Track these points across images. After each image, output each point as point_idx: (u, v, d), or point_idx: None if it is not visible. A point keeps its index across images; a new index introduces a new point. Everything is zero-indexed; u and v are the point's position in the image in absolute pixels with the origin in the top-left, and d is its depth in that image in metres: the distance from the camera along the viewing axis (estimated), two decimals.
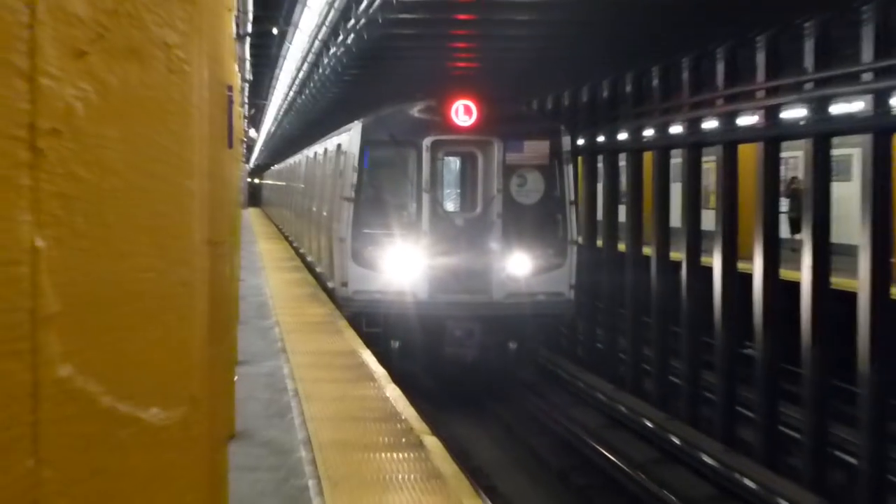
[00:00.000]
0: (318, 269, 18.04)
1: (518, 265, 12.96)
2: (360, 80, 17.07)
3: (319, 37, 12.14)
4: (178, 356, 1.40)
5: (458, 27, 12.26)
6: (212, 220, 2.01)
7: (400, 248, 12.88)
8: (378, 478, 5.58)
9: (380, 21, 9.76)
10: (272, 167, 51.98)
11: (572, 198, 13.58)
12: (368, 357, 9.47)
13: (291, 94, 21.25)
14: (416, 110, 13.39)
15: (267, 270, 19.16)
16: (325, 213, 16.09)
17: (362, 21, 9.44)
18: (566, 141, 13.70)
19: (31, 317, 1.23)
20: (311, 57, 14.59)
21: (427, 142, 13.03)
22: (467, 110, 12.94)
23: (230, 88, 4.71)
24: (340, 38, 10.52)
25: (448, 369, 13.60)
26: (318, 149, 19.43)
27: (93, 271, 1.30)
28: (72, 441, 1.31)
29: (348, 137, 14.01)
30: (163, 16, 1.31)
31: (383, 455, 6.09)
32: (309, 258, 20.47)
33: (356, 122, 13.82)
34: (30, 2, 1.25)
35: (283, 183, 35.42)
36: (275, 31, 16.79)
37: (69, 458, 1.32)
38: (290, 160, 30.88)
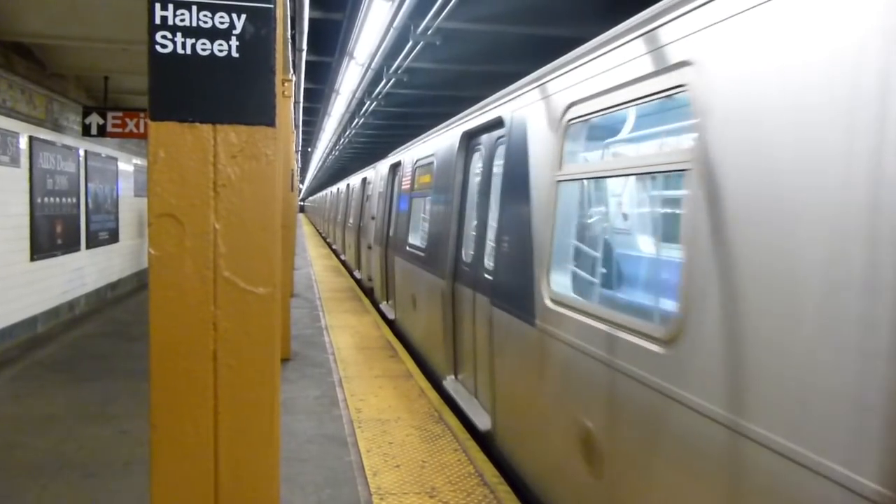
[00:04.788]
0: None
1: None
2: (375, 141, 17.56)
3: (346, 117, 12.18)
4: (271, 267, 2.27)
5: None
6: (284, 218, 3.05)
7: None
8: (371, 367, 6.65)
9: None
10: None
11: None
12: (376, 317, 10.01)
13: (325, 154, 22.11)
14: None
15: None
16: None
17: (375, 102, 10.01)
18: None
19: (213, 253, 2.22)
20: (334, 138, 14.65)
21: None
22: None
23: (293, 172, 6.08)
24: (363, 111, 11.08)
25: None
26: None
27: (237, 237, 2.23)
28: (228, 303, 2.24)
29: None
30: (266, 143, 2.24)
31: (375, 352, 7.26)
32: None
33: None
34: (213, 134, 2.33)
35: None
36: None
37: (228, 311, 2.23)
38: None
